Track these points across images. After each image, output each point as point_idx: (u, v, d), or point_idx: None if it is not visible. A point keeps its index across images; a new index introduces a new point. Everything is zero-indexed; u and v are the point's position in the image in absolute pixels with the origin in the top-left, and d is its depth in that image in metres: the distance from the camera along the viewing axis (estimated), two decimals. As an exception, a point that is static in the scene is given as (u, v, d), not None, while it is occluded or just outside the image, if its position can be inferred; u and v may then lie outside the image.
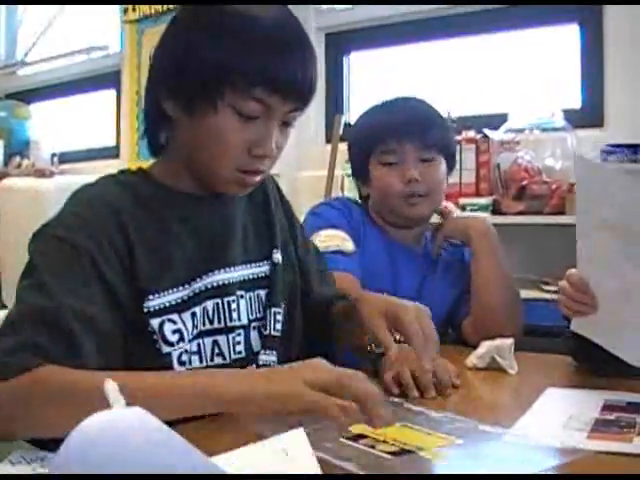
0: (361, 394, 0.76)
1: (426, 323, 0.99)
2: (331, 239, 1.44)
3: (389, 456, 0.75)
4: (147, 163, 1.09)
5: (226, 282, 1.04)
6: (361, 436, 0.79)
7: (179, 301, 0.98)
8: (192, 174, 1.03)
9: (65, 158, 4.20)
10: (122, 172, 1.06)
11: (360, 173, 1.58)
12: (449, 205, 1.66)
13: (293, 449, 0.60)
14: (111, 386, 0.41)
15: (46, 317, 0.85)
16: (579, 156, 1.05)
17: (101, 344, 0.88)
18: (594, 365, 1.20)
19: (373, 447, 0.77)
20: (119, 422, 0.40)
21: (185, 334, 0.98)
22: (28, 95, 4.48)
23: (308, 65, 0.98)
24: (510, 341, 1.23)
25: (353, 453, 0.76)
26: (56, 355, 0.83)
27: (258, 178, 1.02)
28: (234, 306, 1.05)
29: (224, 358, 1.03)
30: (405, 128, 1.49)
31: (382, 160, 1.51)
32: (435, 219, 1.60)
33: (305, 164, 3.15)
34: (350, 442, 0.78)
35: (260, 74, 0.93)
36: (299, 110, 1.00)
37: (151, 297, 0.95)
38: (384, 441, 0.78)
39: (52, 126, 4.42)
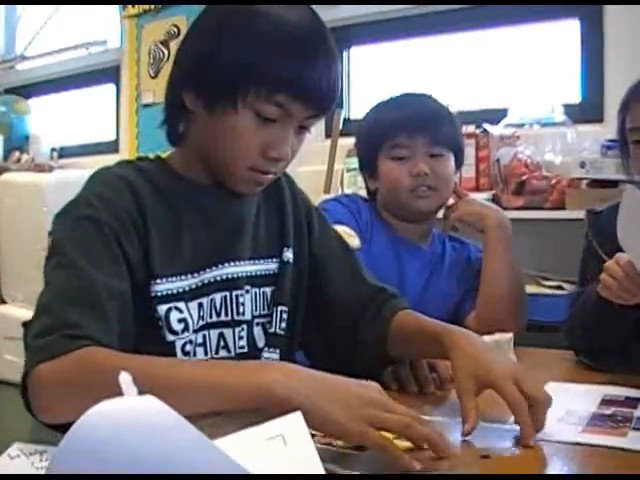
0: (425, 439, 0.73)
1: (529, 385, 0.85)
2: None
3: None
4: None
5: (235, 276, 1.04)
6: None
7: (186, 289, 0.98)
8: (206, 167, 1.03)
9: (64, 153, 4.20)
10: (140, 159, 1.07)
11: (368, 167, 1.58)
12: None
13: (291, 435, 0.59)
14: (125, 376, 0.41)
15: (81, 296, 0.85)
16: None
17: (124, 323, 0.89)
18: (595, 359, 1.20)
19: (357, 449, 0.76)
20: (131, 408, 0.39)
21: (190, 324, 0.98)
22: (27, 90, 4.47)
23: (333, 73, 0.97)
24: (509, 335, 1.22)
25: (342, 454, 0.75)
26: (94, 334, 0.82)
27: (269, 177, 1.01)
28: (242, 300, 1.05)
29: (229, 351, 1.03)
30: (417, 123, 1.48)
31: (392, 154, 1.50)
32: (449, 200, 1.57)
33: (304, 159, 3.12)
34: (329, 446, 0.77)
35: (287, 81, 0.93)
36: (319, 116, 0.99)
37: (159, 281, 0.95)
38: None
39: (51, 121, 4.42)
